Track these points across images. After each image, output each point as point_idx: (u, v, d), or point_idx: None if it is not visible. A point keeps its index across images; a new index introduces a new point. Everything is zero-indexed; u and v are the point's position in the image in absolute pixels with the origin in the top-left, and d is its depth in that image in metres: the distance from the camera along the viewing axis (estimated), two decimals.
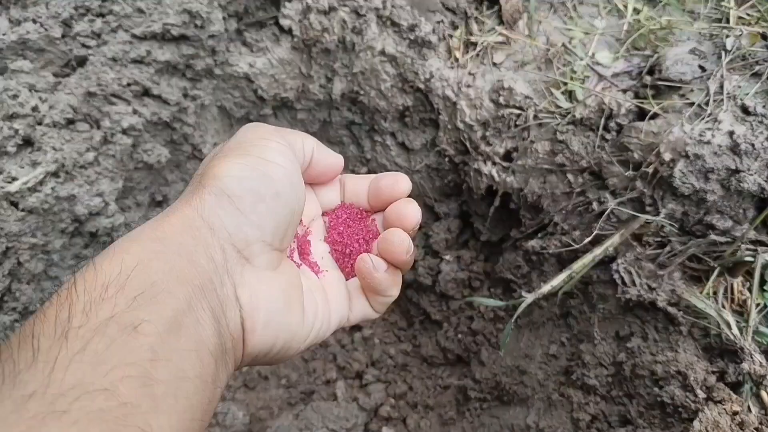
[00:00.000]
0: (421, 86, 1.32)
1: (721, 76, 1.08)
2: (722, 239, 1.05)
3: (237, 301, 0.44)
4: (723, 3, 1.29)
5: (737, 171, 1.00)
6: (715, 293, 1.06)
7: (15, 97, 1.13)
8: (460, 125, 1.31)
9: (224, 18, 1.25)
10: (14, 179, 1.11)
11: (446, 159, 1.40)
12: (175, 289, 0.38)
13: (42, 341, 0.32)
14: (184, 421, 0.34)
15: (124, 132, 1.20)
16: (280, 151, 0.50)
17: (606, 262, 1.17)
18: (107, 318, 0.34)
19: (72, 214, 1.16)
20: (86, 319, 0.34)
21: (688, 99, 1.09)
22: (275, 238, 0.48)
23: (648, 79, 1.15)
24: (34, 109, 1.15)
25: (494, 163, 1.29)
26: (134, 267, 0.38)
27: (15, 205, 1.11)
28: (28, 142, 1.15)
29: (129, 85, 1.20)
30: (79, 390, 0.30)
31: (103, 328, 0.34)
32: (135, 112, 1.21)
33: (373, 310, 0.58)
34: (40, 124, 1.15)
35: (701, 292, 1.06)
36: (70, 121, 1.17)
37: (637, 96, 1.17)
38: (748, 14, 1.27)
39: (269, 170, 0.47)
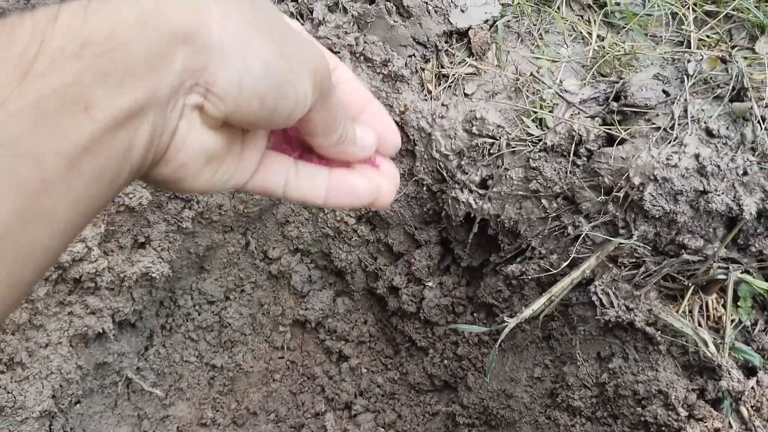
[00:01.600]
0: (396, 119, 1.34)
1: (685, 100, 1.12)
2: (695, 258, 1.08)
3: (172, 135, 0.34)
4: (683, 27, 1.34)
5: (705, 192, 1.03)
6: (690, 311, 1.09)
7: None
8: (436, 155, 1.34)
9: None
10: None
11: (424, 188, 1.43)
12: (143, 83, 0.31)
13: None
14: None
15: None
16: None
17: (584, 284, 1.20)
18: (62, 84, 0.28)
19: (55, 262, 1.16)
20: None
21: (653, 123, 1.12)
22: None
23: (614, 105, 1.18)
24: None
25: (471, 191, 1.31)
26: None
27: None
28: None
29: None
30: None
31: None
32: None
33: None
34: None
35: (677, 311, 1.09)
36: None
37: (605, 122, 1.20)
38: (708, 36, 1.32)
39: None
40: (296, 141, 0.46)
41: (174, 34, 0.31)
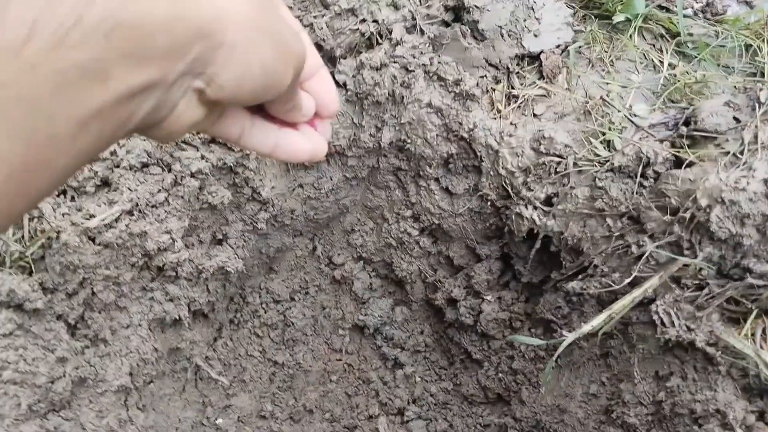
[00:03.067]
0: (465, 135, 1.40)
1: (756, 126, 1.14)
2: (760, 282, 1.09)
3: (172, 109, 0.39)
4: (757, 58, 1.35)
5: None
6: (753, 334, 1.10)
7: None
8: (502, 172, 1.39)
9: None
10: (92, 216, 1.22)
11: (488, 203, 1.48)
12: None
13: None
14: None
15: (192, 175, 1.31)
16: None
17: (645, 303, 1.22)
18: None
19: (142, 249, 1.26)
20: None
21: (723, 148, 1.15)
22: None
23: (684, 129, 1.21)
24: (113, 153, 1.27)
25: (535, 208, 1.35)
26: None
27: (92, 239, 1.22)
28: (105, 183, 1.27)
29: (198, 133, 1.31)
30: None
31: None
32: (203, 157, 1.32)
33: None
34: (117, 167, 1.27)
35: (739, 334, 1.09)
36: (145, 165, 1.29)
37: (673, 146, 1.23)
38: None
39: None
40: None
41: (198, 30, 0.35)
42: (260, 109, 0.51)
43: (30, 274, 1.17)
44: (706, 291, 1.14)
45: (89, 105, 0.32)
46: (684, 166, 1.15)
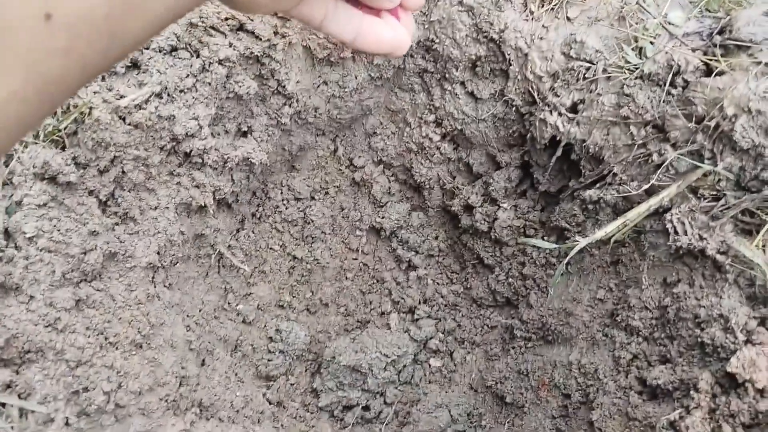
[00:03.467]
0: (495, 36, 1.39)
1: None
2: None
3: None
4: None
5: None
6: (764, 246, 1.12)
7: None
8: (530, 76, 1.38)
9: None
10: (122, 96, 1.25)
11: (513, 109, 1.48)
12: None
13: None
14: None
15: (220, 62, 1.31)
16: None
17: (660, 213, 1.23)
18: None
19: (171, 133, 1.29)
20: None
21: (756, 58, 1.13)
22: None
23: (718, 38, 1.19)
24: None
25: (560, 114, 1.35)
26: None
27: (123, 119, 1.24)
28: (135, 65, 1.28)
29: (227, 19, 1.31)
30: None
31: None
32: (230, 45, 1.32)
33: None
34: (147, 48, 1.28)
35: (751, 244, 1.11)
36: (174, 48, 1.29)
37: (705, 54, 1.21)
38: None
39: None
40: None
41: None
42: None
43: (63, 148, 1.21)
44: (722, 202, 1.16)
45: None
46: (714, 74, 1.14)
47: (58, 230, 1.19)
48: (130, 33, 0.33)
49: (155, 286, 1.36)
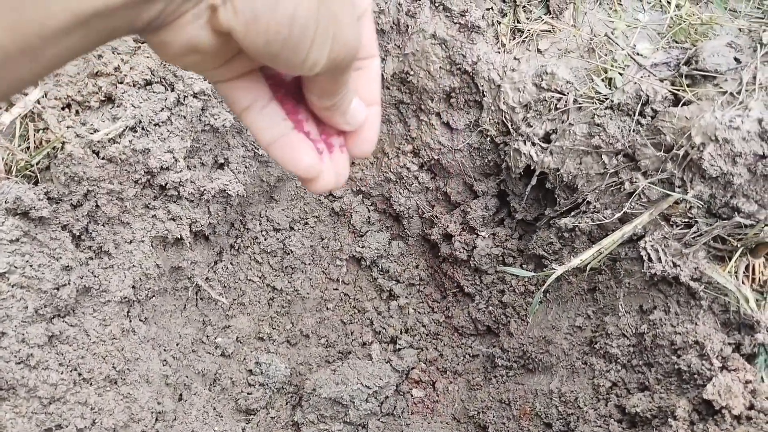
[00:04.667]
0: (468, 69, 1.41)
1: (755, 67, 1.14)
2: (747, 221, 1.12)
3: (177, 18, 0.35)
4: (765, 1, 1.34)
5: (764, 156, 1.06)
6: (736, 272, 1.13)
7: (99, 57, 1.26)
8: (503, 107, 1.40)
9: None
10: (96, 130, 1.25)
11: (488, 139, 1.49)
12: None
13: None
14: None
15: (194, 95, 1.32)
16: None
17: (634, 240, 1.24)
18: None
19: (146, 166, 1.28)
20: None
21: (721, 88, 1.15)
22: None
23: (684, 69, 1.21)
24: (117, 69, 1.28)
25: (533, 144, 1.37)
26: None
27: (96, 153, 1.24)
28: (109, 99, 1.28)
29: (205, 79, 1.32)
30: None
31: None
32: (205, 78, 1.33)
33: None
34: (121, 83, 1.28)
35: (724, 270, 1.12)
36: (148, 83, 1.30)
37: (673, 85, 1.23)
38: None
39: None
40: (290, 79, 0.45)
41: None
42: (291, 93, 0.45)
43: (36, 183, 1.20)
44: (694, 229, 1.17)
45: (93, 3, 0.31)
46: (681, 104, 1.16)
47: (31, 266, 1.17)
48: (18, 78, 0.33)
49: (130, 321, 1.35)
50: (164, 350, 1.43)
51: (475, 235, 1.61)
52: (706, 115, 1.10)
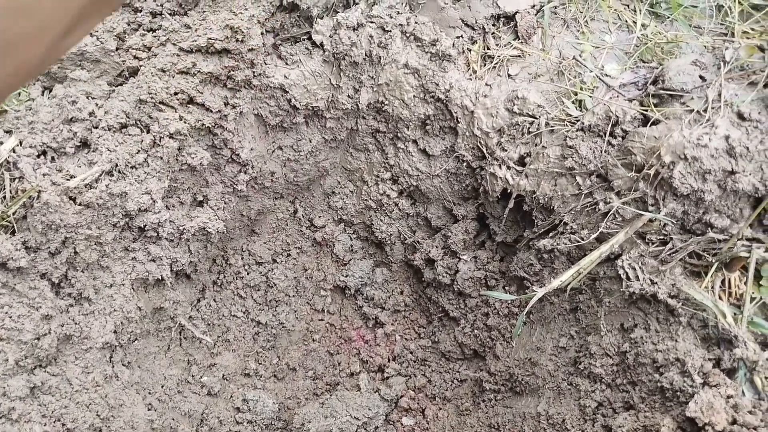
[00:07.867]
0: (442, 96, 1.42)
1: (720, 85, 1.16)
2: (720, 236, 1.13)
3: None
4: (728, 18, 1.37)
5: (733, 172, 1.08)
6: (713, 287, 1.14)
7: (74, 103, 1.27)
8: (477, 132, 1.41)
9: (262, 33, 1.37)
10: (72, 177, 1.24)
11: (464, 164, 1.50)
12: None
13: None
14: None
15: (171, 136, 1.32)
16: None
17: (612, 259, 1.26)
18: None
19: (123, 210, 1.28)
20: None
21: (688, 106, 1.17)
22: None
23: (652, 88, 1.24)
24: (91, 114, 1.28)
25: (509, 168, 1.38)
26: None
27: (73, 199, 1.24)
28: (85, 144, 1.28)
29: (176, 93, 1.32)
30: None
31: None
32: (181, 118, 1.34)
33: None
34: (96, 127, 1.28)
35: (700, 286, 1.14)
36: (123, 126, 1.30)
37: (642, 104, 1.25)
38: (752, 29, 1.36)
39: None
40: None
41: None
42: None
43: (13, 233, 1.19)
44: (669, 246, 1.18)
45: None
46: (650, 123, 1.18)
47: (10, 317, 1.16)
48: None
49: (113, 366, 1.33)
50: (149, 393, 1.42)
51: (457, 259, 1.62)
52: (675, 134, 1.12)
